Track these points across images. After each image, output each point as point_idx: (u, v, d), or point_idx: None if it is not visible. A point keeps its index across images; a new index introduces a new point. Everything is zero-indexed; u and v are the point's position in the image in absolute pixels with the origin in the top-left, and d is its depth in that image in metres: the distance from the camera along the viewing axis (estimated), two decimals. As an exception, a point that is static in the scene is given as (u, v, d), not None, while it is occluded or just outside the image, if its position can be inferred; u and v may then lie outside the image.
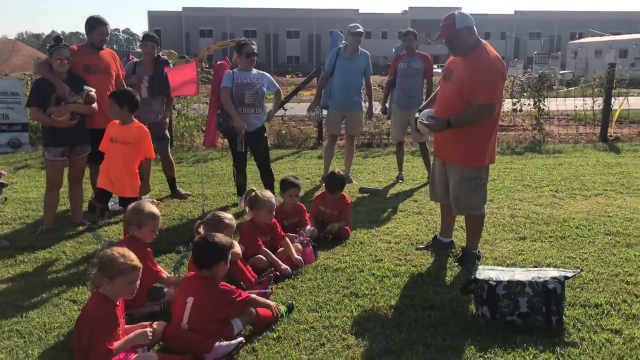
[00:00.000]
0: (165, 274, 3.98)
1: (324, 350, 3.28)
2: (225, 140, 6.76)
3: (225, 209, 6.23)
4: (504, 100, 5.02)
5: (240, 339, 3.28)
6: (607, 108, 11.30)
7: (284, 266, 4.37)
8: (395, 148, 8.14)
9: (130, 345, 3.06)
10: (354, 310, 3.77)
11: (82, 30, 5.86)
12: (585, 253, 4.81)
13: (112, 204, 5.81)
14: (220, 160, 9.19)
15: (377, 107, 8.24)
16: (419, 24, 50.59)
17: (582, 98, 11.87)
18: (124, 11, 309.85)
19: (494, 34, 69.14)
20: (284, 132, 10.99)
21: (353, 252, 4.90)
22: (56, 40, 5.33)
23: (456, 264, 4.59)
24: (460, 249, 4.80)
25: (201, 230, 3.96)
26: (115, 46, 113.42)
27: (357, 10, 74.56)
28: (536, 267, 4.42)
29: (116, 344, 2.98)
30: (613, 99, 11.44)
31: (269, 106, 6.46)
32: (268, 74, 6.34)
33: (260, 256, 4.44)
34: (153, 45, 6.48)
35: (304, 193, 6.84)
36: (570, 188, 7.16)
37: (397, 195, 6.98)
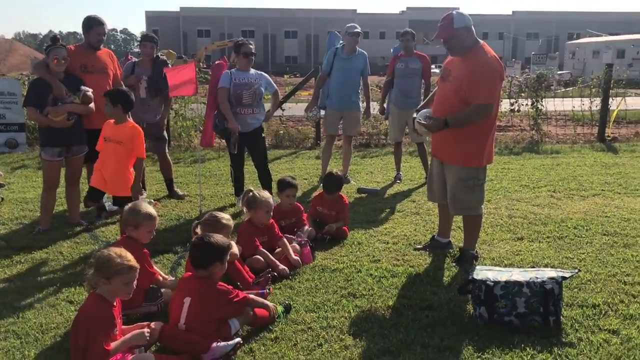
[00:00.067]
0: (162, 275, 3.98)
1: (322, 350, 3.28)
2: (223, 140, 6.75)
3: (222, 209, 6.23)
4: (501, 101, 5.02)
5: (238, 339, 3.28)
6: (604, 108, 11.32)
7: (281, 266, 4.36)
8: (393, 148, 8.14)
9: (128, 345, 3.05)
10: (351, 310, 3.77)
11: (80, 30, 5.84)
12: (583, 253, 4.82)
13: (109, 205, 5.80)
14: (218, 161, 9.18)
15: (374, 107, 8.24)
16: (417, 24, 50.51)
17: (579, 98, 11.90)
18: (121, 11, 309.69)
19: (492, 34, 69.20)
20: (281, 132, 10.99)
21: (351, 252, 4.89)
22: (53, 40, 5.31)
23: (454, 264, 4.59)
24: (458, 249, 4.81)
25: (198, 230, 3.95)
26: (112, 46, 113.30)
27: (355, 10, 74.58)
28: (534, 267, 4.42)
29: (113, 344, 2.97)
30: (610, 100, 11.47)
31: (267, 106, 6.46)
32: (266, 75, 6.33)
33: (258, 257, 4.43)
34: (152, 46, 6.46)
35: (301, 193, 6.84)
36: (567, 188, 7.17)
37: (395, 195, 6.98)
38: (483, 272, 3.68)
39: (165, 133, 6.87)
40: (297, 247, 4.67)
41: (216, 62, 6.36)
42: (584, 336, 3.39)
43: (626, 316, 3.65)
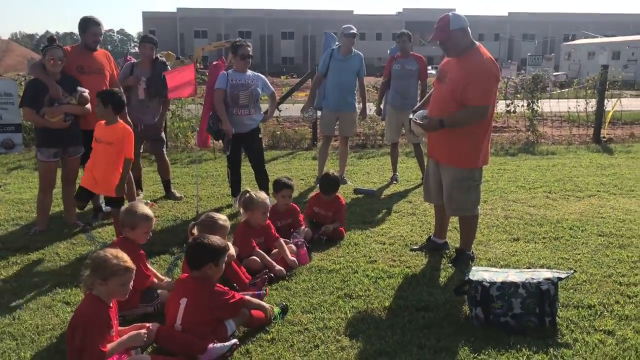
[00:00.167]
0: (158, 277, 3.97)
1: (318, 351, 3.28)
2: (220, 141, 6.75)
3: (219, 210, 6.22)
4: (497, 102, 5.05)
5: (234, 340, 3.28)
6: (600, 109, 11.37)
7: (278, 267, 4.36)
8: (389, 149, 8.16)
9: (124, 347, 3.05)
10: (348, 311, 3.77)
11: (76, 30, 5.83)
12: (579, 254, 4.83)
13: (106, 206, 5.78)
14: (215, 161, 9.18)
15: (371, 108, 8.25)
16: (413, 25, 50.61)
17: (575, 99, 11.93)
18: (118, 12, 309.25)
19: (488, 36, 69.37)
20: (278, 133, 11.00)
21: (347, 253, 4.90)
22: (50, 41, 5.31)
23: (450, 265, 4.59)
24: (454, 250, 4.81)
25: (195, 231, 3.96)
26: (109, 47, 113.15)
27: (352, 11, 74.74)
28: (530, 268, 4.43)
29: (109, 345, 2.97)
30: (606, 101, 11.51)
31: (264, 107, 6.46)
32: (263, 76, 6.33)
33: (255, 257, 4.43)
34: (152, 47, 6.43)
35: (298, 194, 6.84)
36: (563, 189, 7.19)
37: (392, 196, 6.99)
38: (479, 273, 3.69)
39: (163, 134, 6.86)
40: (294, 247, 4.67)
41: (214, 63, 6.36)
42: (579, 337, 3.40)
43: (621, 317, 3.66)
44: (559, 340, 3.38)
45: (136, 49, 6.83)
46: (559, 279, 3.55)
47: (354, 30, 7.14)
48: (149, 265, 3.96)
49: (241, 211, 4.72)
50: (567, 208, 6.29)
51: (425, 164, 5.34)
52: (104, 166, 4.83)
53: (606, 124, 11.91)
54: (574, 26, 69.53)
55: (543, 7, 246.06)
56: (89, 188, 4.97)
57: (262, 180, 6.35)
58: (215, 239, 3.48)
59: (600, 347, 3.30)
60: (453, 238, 5.10)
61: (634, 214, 6.00)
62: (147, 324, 3.30)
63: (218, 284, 3.44)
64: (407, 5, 76.16)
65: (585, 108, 11.64)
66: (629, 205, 6.37)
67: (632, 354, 3.22)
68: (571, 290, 4.04)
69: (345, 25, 7.29)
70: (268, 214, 4.67)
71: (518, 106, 11.77)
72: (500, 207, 6.32)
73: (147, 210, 3.89)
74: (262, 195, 4.67)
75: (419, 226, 5.67)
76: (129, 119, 5.94)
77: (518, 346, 3.28)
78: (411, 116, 4.70)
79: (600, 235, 5.32)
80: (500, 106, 11.61)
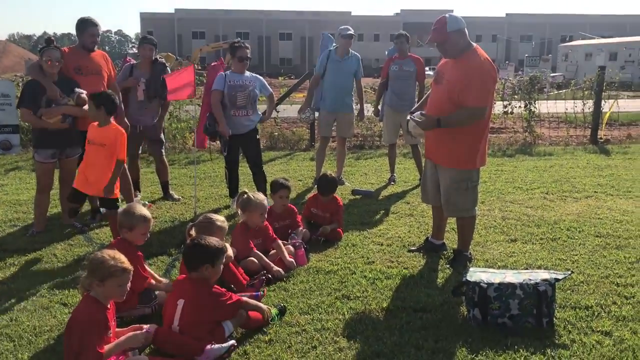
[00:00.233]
0: (156, 278, 3.97)
1: (316, 353, 3.28)
2: (218, 142, 6.75)
3: (217, 211, 6.22)
4: (494, 103, 5.05)
5: (232, 342, 3.28)
6: (597, 111, 11.39)
7: (275, 268, 4.36)
8: (387, 150, 8.16)
9: (122, 348, 3.05)
10: (345, 312, 3.77)
11: (74, 31, 5.82)
12: (576, 255, 4.84)
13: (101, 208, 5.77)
14: (213, 162, 9.18)
15: (368, 109, 8.27)
16: (411, 26, 50.76)
17: (572, 101, 11.96)
18: (116, 13, 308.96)
19: (485, 37, 69.52)
20: (276, 134, 11.00)
21: (345, 254, 4.90)
22: (47, 42, 5.29)
23: (448, 266, 4.60)
24: (451, 251, 4.82)
25: (193, 232, 3.95)
26: (107, 47, 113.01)
27: (350, 12, 74.82)
28: (527, 269, 4.44)
29: (107, 347, 2.96)
30: (603, 102, 11.53)
31: (262, 108, 6.46)
32: (261, 77, 6.33)
33: (252, 259, 4.43)
34: (151, 48, 6.42)
35: (296, 195, 6.84)
36: (560, 190, 7.20)
37: (389, 197, 6.99)
38: (477, 274, 3.69)
39: (162, 136, 6.85)
40: (292, 249, 4.67)
41: (212, 64, 6.36)
42: (577, 338, 3.41)
43: (619, 318, 3.67)
44: (557, 341, 3.38)
45: (134, 49, 6.79)
46: (557, 280, 3.56)
47: (351, 31, 7.15)
48: (146, 267, 3.95)
49: (239, 212, 4.72)
50: (564, 209, 6.30)
51: (423, 165, 5.34)
52: (97, 168, 4.82)
53: (603, 125, 11.93)
54: (572, 27, 69.73)
55: (540, 8, 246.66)
56: (82, 190, 4.96)
57: (259, 182, 6.35)
58: (213, 240, 3.48)
59: (597, 348, 3.31)
60: (451, 239, 5.10)
61: (631, 215, 6.01)
62: (145, 326, 3.30)
63: (216, 285, 3.44)
64: (405, 7, 76.67)
65: (583, 109, 11.66)
66: (626, 206, 6.38)
67: (630, 355, 3.23)
68: (568, 291, 4.05)
69: (342, 26, 7.30)
70: (266, 215, 4.67)
71: (515, 107, 11.80)
72: (498, 208, 6.33)
73: (145, 212, 3.89)
74: (260, 196, 4.66)
75: (416, 227, 5.68)
76: (127, 121, 5.95)
77: (515, 347, 3.29)
78: (409, 117, 4.71)
79: (597, 236, 5.33)
80: (498, 107, 11.63)
